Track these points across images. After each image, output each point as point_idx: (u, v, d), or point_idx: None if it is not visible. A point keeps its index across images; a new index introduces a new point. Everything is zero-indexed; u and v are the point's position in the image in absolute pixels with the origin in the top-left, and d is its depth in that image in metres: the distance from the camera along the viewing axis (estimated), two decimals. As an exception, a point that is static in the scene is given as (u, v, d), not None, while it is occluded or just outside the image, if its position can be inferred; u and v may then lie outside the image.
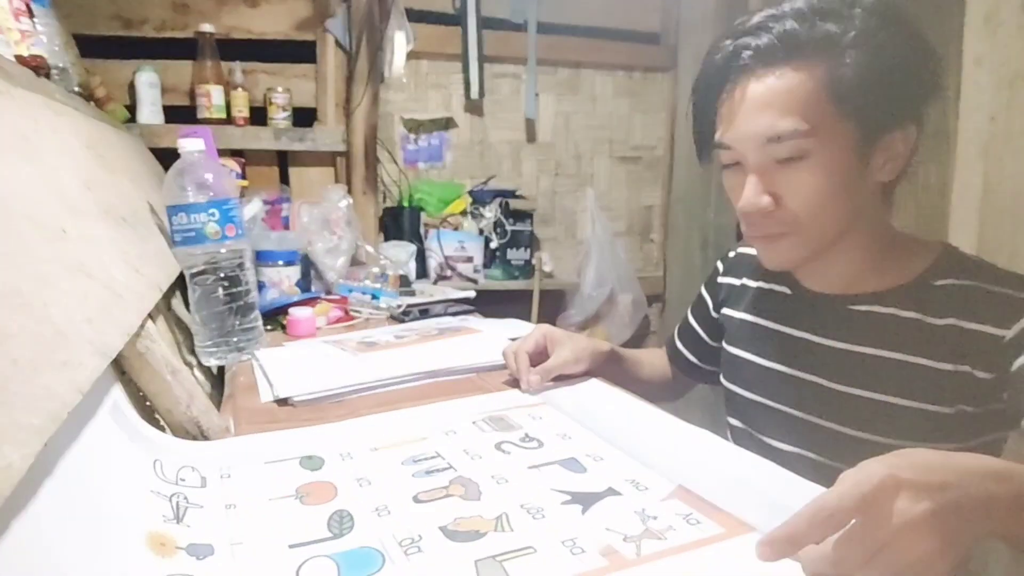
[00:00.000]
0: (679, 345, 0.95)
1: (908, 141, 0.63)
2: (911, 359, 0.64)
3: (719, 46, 0.65)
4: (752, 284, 0.81)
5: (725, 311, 0.85)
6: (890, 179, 0.64)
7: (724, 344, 0.84)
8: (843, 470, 0.38)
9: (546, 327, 0.81)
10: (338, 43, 1.72)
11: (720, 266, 0.89)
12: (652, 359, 1.00)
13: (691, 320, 0.93)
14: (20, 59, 0.76)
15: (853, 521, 0.35)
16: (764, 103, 0.61)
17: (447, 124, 2.00)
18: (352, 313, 1.22)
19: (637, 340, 2.21)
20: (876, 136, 0.61)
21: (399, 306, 1.23)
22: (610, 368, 0.84)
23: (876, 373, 0.65)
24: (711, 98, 0.66)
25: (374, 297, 1.24)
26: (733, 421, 0.82)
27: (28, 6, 0.83)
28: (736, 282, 0.84)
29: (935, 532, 0.36)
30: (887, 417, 0.64)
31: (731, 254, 0.88)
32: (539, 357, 0.78)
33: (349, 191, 1.54)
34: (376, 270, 1.32)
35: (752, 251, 0.82)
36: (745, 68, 0.62)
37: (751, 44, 0.61)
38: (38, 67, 0.78)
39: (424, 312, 1.24)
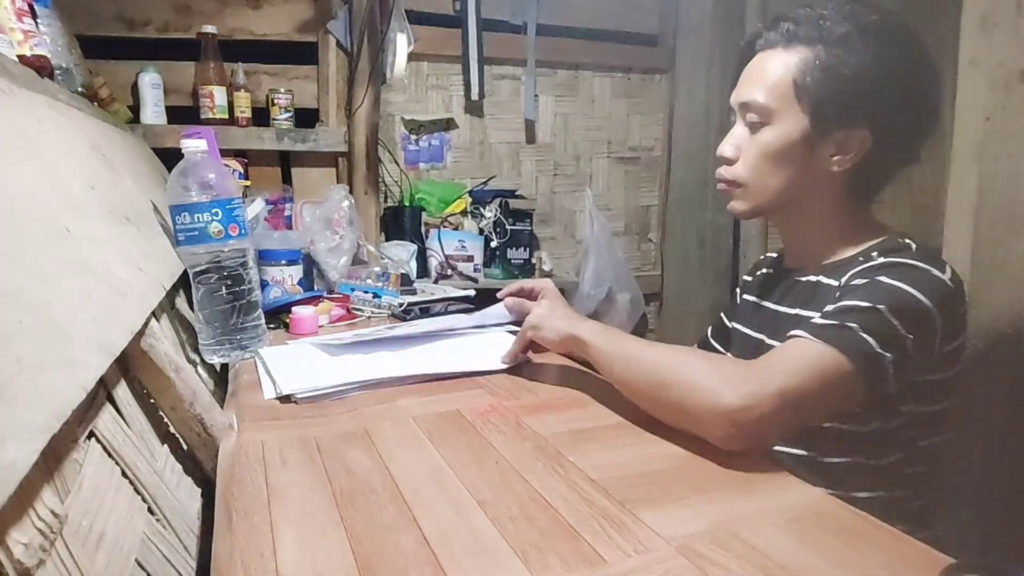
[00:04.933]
0: (713, 343, 1.00)
1: (862, 142, 0.71)
2: (811, 314, 0.69)
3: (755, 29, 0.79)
4: (760, 273, 0.92)
5: (743, 297, 0.94)
6: (839, 170, 0.72)
7: (730, 323, 0.95)
8: None
9: (552, 288, 0.90)
10: (339, 45, 1.72)
11: (748, 273, 0.98)
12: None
13: (723, 318, 1.00)
14: (23, 59, 0.77)
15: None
16: (752, 75, 0.75)
17: (447, 125, 2.01)
18: (354, 312, 1.22)
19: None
20: (825, 128, 0.71)
21: (400, 304, 1.24)
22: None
23: (791, 328, 0.69)
24: (738, 72, 0.79)
25: (376, 296, 1.24)
26: None
27: (31, 7, 0.83)
28: (749, 278, 0.95)
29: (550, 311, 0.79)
30: None
31: (764, 256, 0.99)
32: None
33: (351, 191, 1.55)
34: (377, 269, 1.32)
35: (773, 254, 0.94)
36: (758, 47, 0.76)
37: (762, 32, 0.76)
38: (41, 67, 0.79)
39: (425, 311, 1.25)
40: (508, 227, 1.95)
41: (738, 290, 0.99)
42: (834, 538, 0.46)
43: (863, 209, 0.78)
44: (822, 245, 0.77)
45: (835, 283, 0.72)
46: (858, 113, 0.69)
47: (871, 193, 0.77)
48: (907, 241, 0.73)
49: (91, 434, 0.53)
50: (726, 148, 0.77)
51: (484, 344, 0.96)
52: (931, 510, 0.74)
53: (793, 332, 0.64)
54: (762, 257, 0.98)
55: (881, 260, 0.68)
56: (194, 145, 0.89)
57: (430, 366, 0.84)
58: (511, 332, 1.02)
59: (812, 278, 0.77)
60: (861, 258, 0.71)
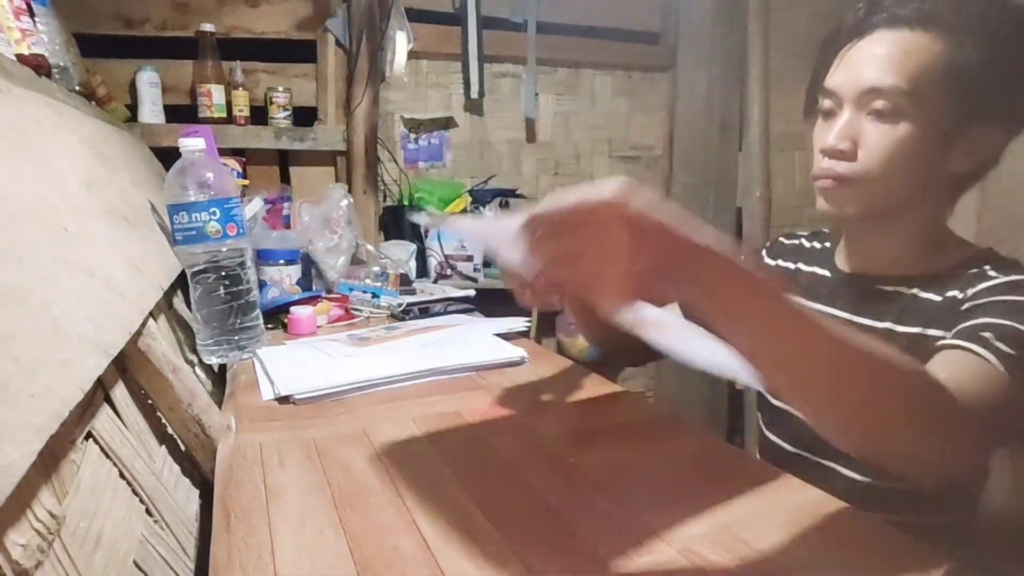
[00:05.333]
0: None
1: (993, 142, 0.65)
2: (919, 331, 0.65)
3: (856, 7, 0.69)
4: (806, 269, 0.83)
5: None
6: (961, 171, 0.66)
7: None
8: None
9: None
10: (338, 43, 1.72)
11: (764, 253, 0.89)
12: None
13: None
14: (21, 58, 0.76)
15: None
16: (880, 56, 0.64)
17: (447, 123, 2.01)
18: (353, 312, 1.22)
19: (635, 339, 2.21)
20: (965, 124, 0.63)
21: (399, 305, 1.24)
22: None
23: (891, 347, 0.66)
24: (834, 52, 0.69)
25: (375, 296, 1.24)
26: (769, 398, 0.82)
27: (29, 5, 0.83)
28: (790, 266, 0.85)
29: (629, 262, 0.37)
30: None
31: (772, 242, 0.90)
32: None
33: (350, 190, 1.54)
34: (376, 269, 1.32)
35: (799, 241, 0.86)
36: (876, 24, 0.65)
37: (890, 7, 0.65)
38: (39, 66, 0.79)
39: (424, 311, 1.25)
40: (508, 226, 1.94)
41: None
42: (834, 539, 0.46)
43: (949, 216, 0.72)
44: (917, 253, 0.70)
45: (937, 298, 0.66)
46: (1001, 109, 0.64)
47: (959, 197, 0.71)
48: (1007, 257, 0.68)
49: (89, 435, 0.53)
50: (842, 142, 0.66)
51: (483, 339, 0.96)
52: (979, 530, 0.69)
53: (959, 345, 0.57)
54: (784, 240, 0.89)
55: (1017, 277, 0.62)
56: (192, 144, 0.89)
57: (430, 362, 0.84)
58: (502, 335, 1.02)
59: (902, 290, 0.69)
60: (971, 271, 0.65)
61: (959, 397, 0.48)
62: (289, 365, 0.86)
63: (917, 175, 0.66)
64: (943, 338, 0.62)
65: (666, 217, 0.37)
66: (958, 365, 0.55)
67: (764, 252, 0.89)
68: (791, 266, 0.85)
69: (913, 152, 0.64)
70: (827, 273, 0.79)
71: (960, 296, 0.64)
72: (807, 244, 0.85)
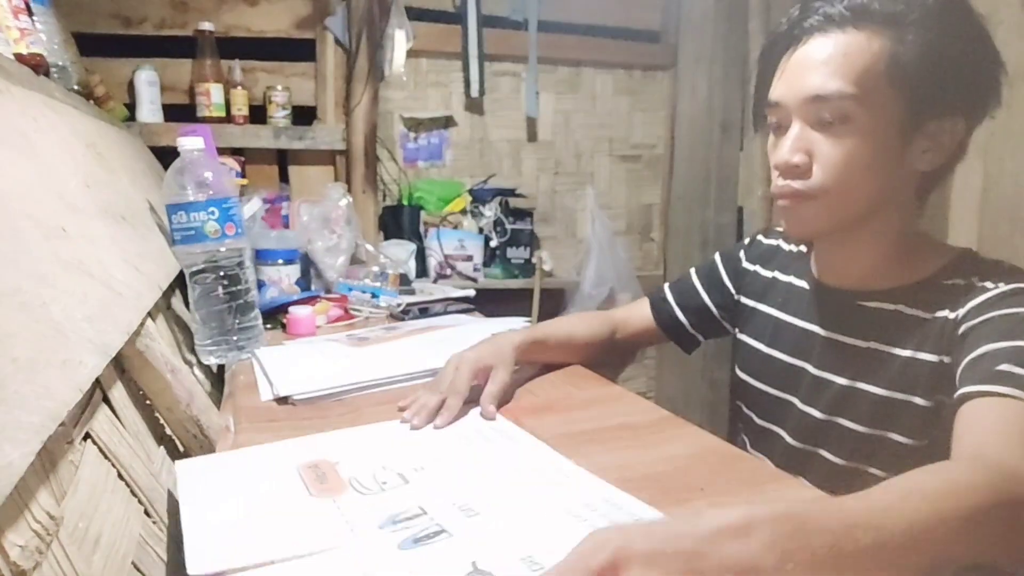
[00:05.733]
0: (670, 298, 0.92)
1: (954, 134, 0.62)
2: (910, 354, 0.64)
3: (789, 12, 0.65)
4: (782, 279, 0.80)
5: (745, 300, 0.84)
6: (927, 169, 0.64)
7: (740, 334, 0.84)
8: (856, 468, 0.36)
9: (459, 358, 0.75)
10: (338, 41, 1.71)
11: (743, 254, 0.87)
12: (584, 324, 0.91)
13: (695, 281, 0.91)
14: (19, 57, 0.76)
15: None
16: (819, 62, 0.61)
17: (447, 122, 2.00)
18: (352, 312, 1.22)
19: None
20: (922, 119, 0.61)
21: (399, 305, 1.24)
22: (540, 354, 0.83)
23: (878, 369, 0.65)
24: (773, 62, 0.67)
25: (374, 296, 1.24)
26: (746, 411, 0.82)
27: (27, 4, 0.83)
28: (767, 274, 0.83)
29: None
30: (887, 412, 0.64)
31: (751, 240, 0.88)
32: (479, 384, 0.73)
33: (349, 190, 1.54)
34: (376, 269, 1.32)
35: (777, 242, 0.83)
36: (809, 29, 0.62)
37: (820, 8, 0.62)
38: (37, 65, 0.78)
39: (424, 311, 1.25)
40: (508, 226, 1.94)
41: (725, 272, 0.88)
42: (838, 540, 0.46)
43: (920, 217, 0.68)
44: (893, 262, 0.67)
45: (925, 315, 0.63)
46: (955, 99, 0.61)
47: (928, 196, 0.67)
48: (988, 259, 0.66)
49: (87, 435, 0.53)
50: (795, 155, 0.63)
51: (478, 337, 0.95)
52: None
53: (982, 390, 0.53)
54: (751, 241, 0.87)
55: (1007, 288, 0.59)
56: (191, 143, 0.89)
57: (429, 363, 0.84)
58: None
59: (886, 306, 0.67)
60: (955, 281, 0.63)
61: (1012, 452, 0.46)
62: (288, 365, 0.85)
63: (878, 180, 0.63)
64: (938, 363, 0.61)
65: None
66: (993, 418, 0.51)
67: (742, 253, 0.87)
68: (768, 274, 0.82)
69: (870, 157, 0.61)
70: (804, 284, 0.76)
71: (952, 316, 0.61)
72: (785, 247, 0.82)
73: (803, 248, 0.80)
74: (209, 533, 0.47)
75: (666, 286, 0.95)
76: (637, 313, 0.95)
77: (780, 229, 0.85)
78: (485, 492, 0.53)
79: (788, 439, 0.74)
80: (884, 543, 0.37)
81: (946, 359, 0.61)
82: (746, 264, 0.86)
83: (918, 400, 0.63)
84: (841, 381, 0.68)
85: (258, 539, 0.46)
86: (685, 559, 0.34)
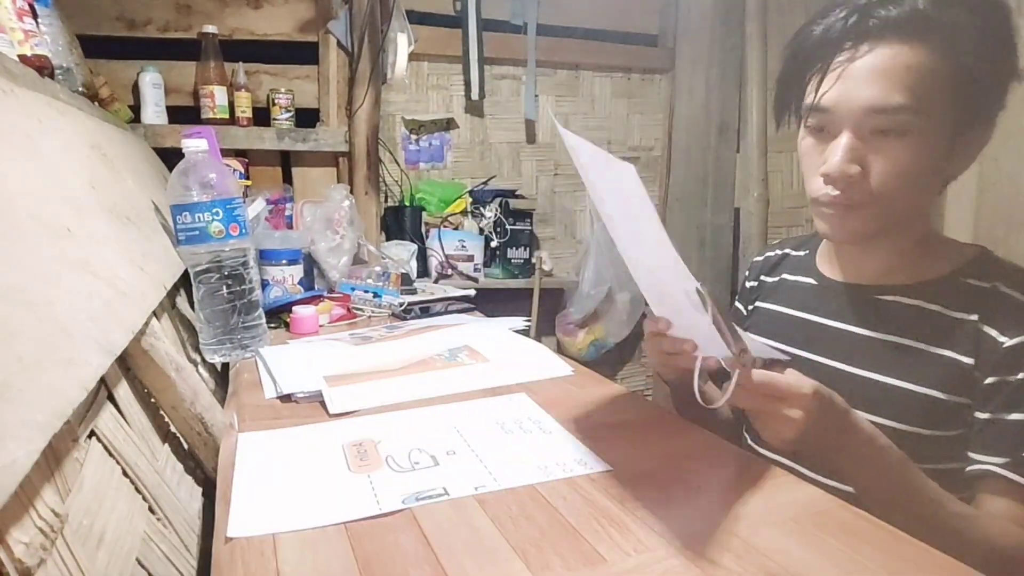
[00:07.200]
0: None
1: (984, 140, 0.64)
2: (932, 349, 0.65)
3: (831, 12, 0.64)
4: (790, 279, 0.82)
5: (758, 304, 0.86)
6: (959, 174, 0.65)
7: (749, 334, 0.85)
8: None
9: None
10: (340, 45, 1.72)
11: (747, 274, 0.90)
12: None
13: (738, 306, 0.93)
14: (24, 59, 0.77)
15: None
16: (880, 73, 0.60)
17: (448, 125, 2.01)
18: (354, 311, 1.22)
19: (634, 338, 2.22)
20: (966, 127, 0.62)
21: (400, 304, 1.24)
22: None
23: (893, 359, 0.66)
24: (810, 62, 0.66)
25: (376, 295, 1.25)
26: None
27: (32, 6, 0.83)
28: (775, 280, 0.84)
29: (798, 433, 0.56)
30: (899, 401, 0.66)
31: (757, 259, 0.90)
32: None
33: (351, 191, 1.55)
34: (378, 269, 1.32)
35: (781, 251, 0.85)
36: (867, 35, 0.61)
37: (879, 14, 0.61)
38: (42, 67, 0.79)
39: (425, 310, 1.25)
40: (508, 227, 1.95)
41: (740, 304, 0.90)
42: (834, 538, 0.46)
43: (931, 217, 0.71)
44: (912, 259, 0.69)
45: (947, 312, 0.65)
46: (992, 107, 0.63)
47: (939, 199, 0.72)
48: (1005, 260, 0.67)
49: (92, 433, 0.53)
50: (850, 167, 0.62)
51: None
52: None
53: None
54: (759, 259, 0.90)
55: None
56: (195, 145, 0.89)
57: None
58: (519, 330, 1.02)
59: (904, 300, 0.68)
60: (981, 284, 0.65)
61: None
62: (292, 364, 0.86)
63: (927, 186, 0.65)
64: (959, 362, 0.63)
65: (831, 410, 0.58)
66: None
67: (747, 272, 0.90)
68: (775, 279, 0.84)
69: (922, 167, 0.62)
70: (812, 281, 0.78)
71: (972, 318, 0.63)
72: (793, 253, 0.85)
73: (807, 251, 0.81)
74: (251, 501, 0.52)
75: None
76: None
77: (790, 240, 0.87)
78: (503, 476, 0.56)
79: None
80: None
81: (967, 360, 0.63)
82: (748, 283, 0.89)
83: (936, 393, 0.64)
84: (853, 371, 0.69)
85: (292, 510, 0.50)
86: (826, 431, 0.57)
